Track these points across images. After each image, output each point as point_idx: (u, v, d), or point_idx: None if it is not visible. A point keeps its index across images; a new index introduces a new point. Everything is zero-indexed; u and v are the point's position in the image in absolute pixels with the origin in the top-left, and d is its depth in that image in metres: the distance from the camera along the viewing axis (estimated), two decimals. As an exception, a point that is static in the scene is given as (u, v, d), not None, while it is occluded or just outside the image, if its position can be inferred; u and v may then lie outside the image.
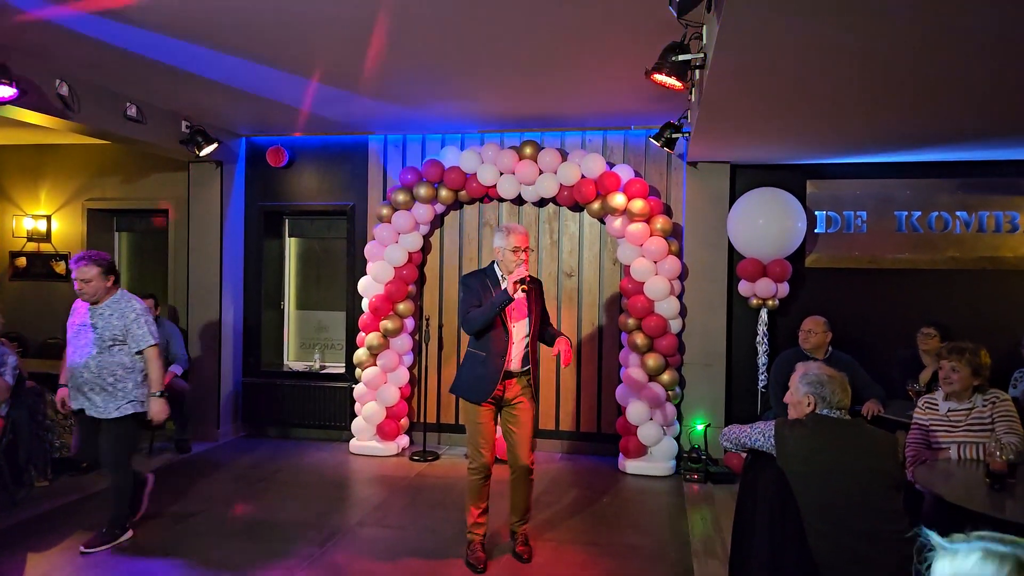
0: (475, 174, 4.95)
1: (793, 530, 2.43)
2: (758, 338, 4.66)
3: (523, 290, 3.14)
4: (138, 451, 5.03)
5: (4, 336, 5.63)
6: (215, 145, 4.99)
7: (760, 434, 2.54)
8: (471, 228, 5.29)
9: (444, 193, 5.03)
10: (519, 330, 3.31)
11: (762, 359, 4.64)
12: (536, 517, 3.93)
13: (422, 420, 5.24)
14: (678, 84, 3.01)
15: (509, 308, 3.22)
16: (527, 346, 3.29)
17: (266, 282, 5.62)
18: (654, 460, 4.68)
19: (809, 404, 2.50)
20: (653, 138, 4.46)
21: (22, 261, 5.84)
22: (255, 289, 5.59)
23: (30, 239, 5.82)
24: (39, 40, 3.46)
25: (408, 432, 5.28)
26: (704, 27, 2.73)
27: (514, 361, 3.28)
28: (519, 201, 5.18)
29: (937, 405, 3.22)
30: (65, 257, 5.79)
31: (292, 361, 5.76)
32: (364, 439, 5.08)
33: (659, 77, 2.98)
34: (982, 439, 3.01)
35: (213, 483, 4.43)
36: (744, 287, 4.68)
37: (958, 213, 4.68)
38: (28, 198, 5.85)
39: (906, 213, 4.75)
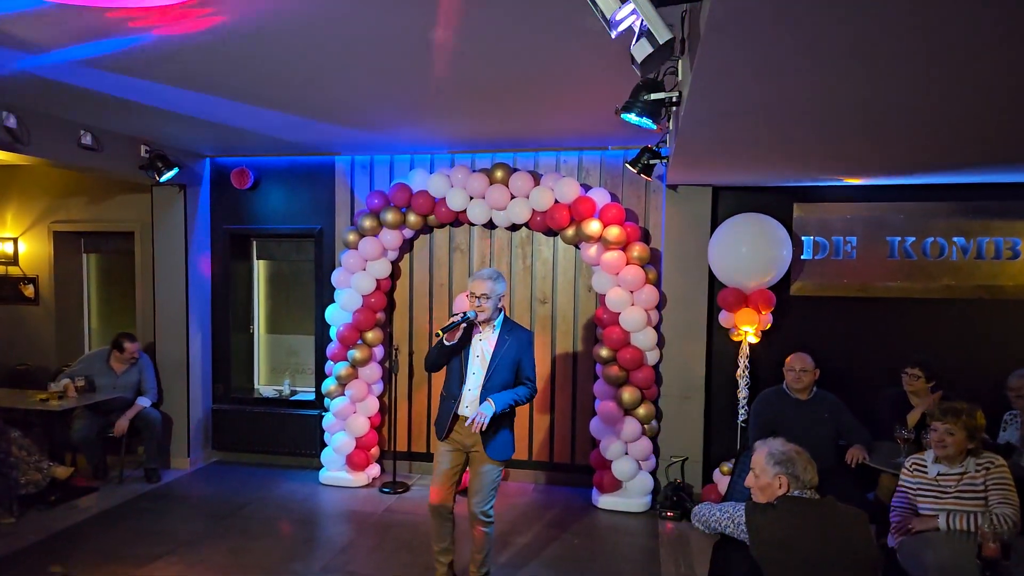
0: (444, 199, 4.73)
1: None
2: (739, 371, 4.45)
3: (457, 329, 3.17)
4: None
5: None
6: (175, 170, 4.80)
7: (729, 520, 2.36)
8: (441, 253, 5.08)
9: (412, 218, 4.82)
10: (475, 377, 3.21)
11: (743, 392, 4.43)
12: (504, 556, 3.80)
13: (392, 449, 5.11)
14: (651, 125, 2.76)
15: (473, 354, 3.25)
16: (482, 396, 3.15)
17: (235, 306, 5.47)
18: (629, 496, 4.52)
19: (781, 486, 2.31)
20: (629, 164, 4.20)
21: (-10, 284, 5.73)
22: (223, 313, 5.44)
23: (-3, 262, 5.71)
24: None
25: (379, 460, 5.16)
26: (679, 62, 2.48)
27: (465, 406, 3.21)
28: (491, 225, 4.96)
29: (926, 467, 2.99)
30: (33, 280, 5.67)
31: (263, 386, 5.63)
32: (334, 469, 4.96)
33: (629, 117, 2.73)
34: (974, 508, 2.80)
35: (178, 520, 4.33)
36: (725, 317, 4.45)
37: (955, 239, 4.40)
38: (-7, 220, 5.72)
39: (899, 239, 4.47)
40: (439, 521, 3.30)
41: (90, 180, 5.48)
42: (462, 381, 3.22)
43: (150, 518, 4.35)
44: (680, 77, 2.51)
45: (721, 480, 4.42)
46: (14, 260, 5.69)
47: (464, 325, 3.19)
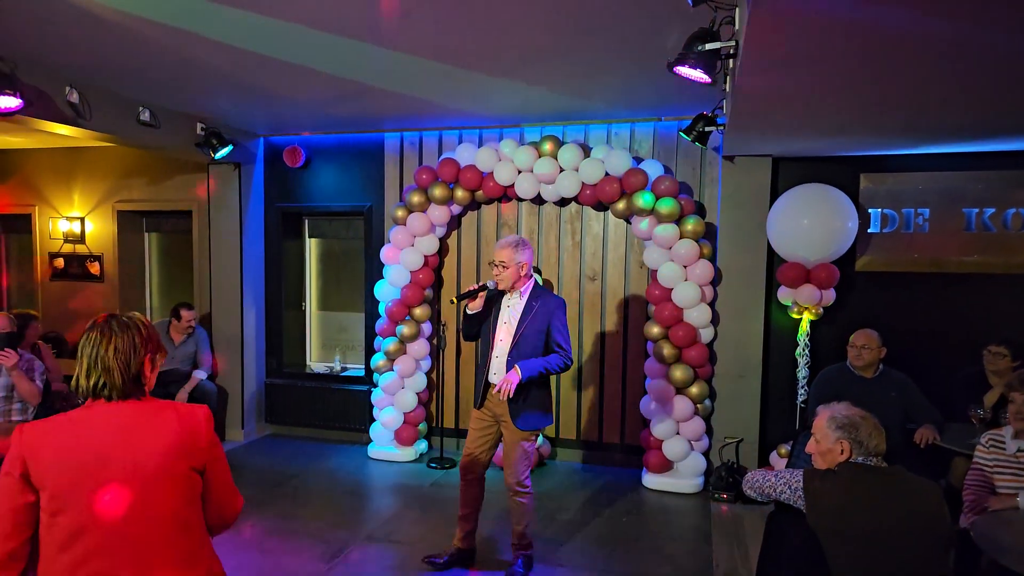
0: (492, 173, 4.69)
1: (824, 600, 2.15)
2: (799, 349, 4.26)
3: (474, 297, 3.22)
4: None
5: (43, 337, 5.86)
6: (230, 148, 4.91)
7: (786, 486, 2.24)
8: (489, 229, 5.05)
9: (460, 193, 4.80)
10: (502, 344, 3.21)
11: (803, 372, 4.24)
12: (551, 534, 3.76)
13: (440, 425, 5.13)
14: (705, 78, 2.65)
15: (501, 320, 3.24)
16: (509, 363, 3.14)
17: (287, 283, 5.59)
18: (680, 476, 4.40)
19: (843, 451, 2.17)
20: (684, 132, 4.07)
21: (60, 262, 6.01)
22: (276, 290, 5.57)
23: (66, 240, 5.98)
24: (47, 48, 3.40)
25: (427, 436, 5.18)
26: (736, 9, 2.36)
27: (493, 373, 3.21)
28: (539, 200, 4.89)
29: (1004, 443, 2.82)
30: (99, 258, 5.92)
31: (314, 362, 5.74)
32: (383, 443, 5.02)
33: (683, 70, 2.62)
34: (1057, 486, 2.62)
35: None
36: (784, 293, 4.27)
37: (1039, 210, 4.09)
38: (62, 200, 5.99)
39: (977, 210, 4.18)
40: (464, 486, 3.33)
41: (150, 160, 5.67)
42: (491, 348, 3.22)
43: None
44: (737, 26, 2.39)
45: (778, 463, 4.25)
46: (81, 238, 5.96)
47: (483, 294, 3.21)
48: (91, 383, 1.51)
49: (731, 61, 2.64)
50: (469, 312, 3.24)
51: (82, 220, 5.94)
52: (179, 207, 5.70)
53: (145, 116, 4.44)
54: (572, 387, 4.91)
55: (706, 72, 2.62)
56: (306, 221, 5.67)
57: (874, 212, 4.34)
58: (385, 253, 4.98)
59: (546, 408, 3.21)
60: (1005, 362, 3.59)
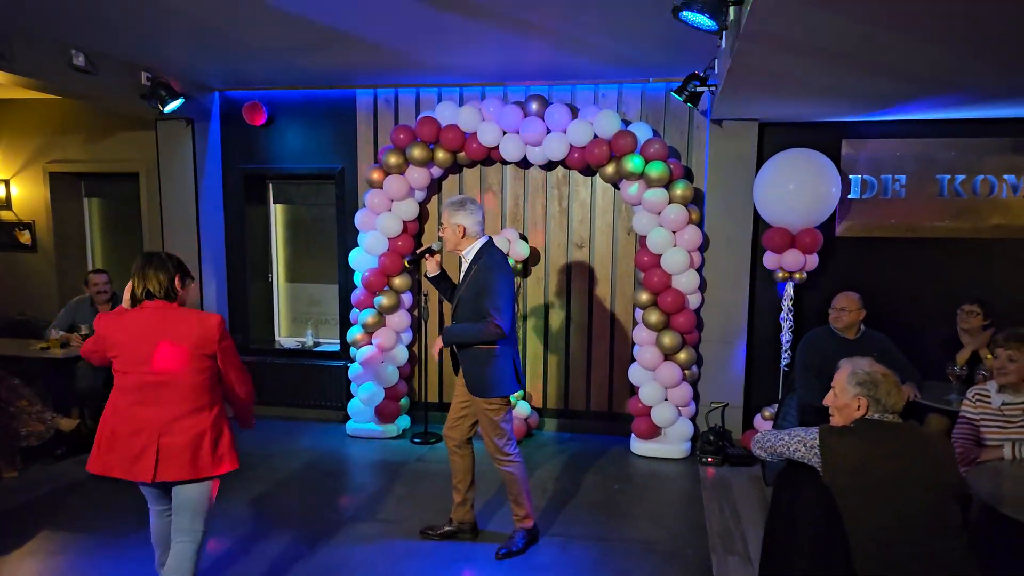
0: (475, 133, 4.48)
1: (839, 554, 2.17)
2: (783, 314, 4.34)
3: (424, 259, 3.19)
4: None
5: (-32, 314, 5.25)
6: (181, 101, 4.47)
7: (800, 443, 2.24)
8: (472, 194, 4.85)
9: (441, 155, 4.57)
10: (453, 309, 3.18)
11: (786, 336, 4.33)
12: (543, 505, 3.71)
13: (424, 400, 4.97)
14: (711, 24, 2.54)
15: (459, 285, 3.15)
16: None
17: (251, 253, 5.22)
18: (668, 442, 4.44)
19: (859, 408, 2.18)
20: (675, 92, 3.99)
21: (-18, 230, 5.40)
22: (239, 261, 5.19)
23: (-11, 206, 5.36)
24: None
25: (409, 413, 5.02)
26: None
27: None
28: (525, 164, 4.73)
29: (990, 398, 2.94)
30: (30, 226, 5.34)
31: (283, 337, 5.42)
32: (362, 421, 4.81)
33: (689, 15, 2.51)
34: (1040, 436, 2.76)
35: None
36: (770, 259, 4.32)
37: (1006, 177, 4.27)
38: (-17, 161, 5.35)
39: (949, 177, 4.34)
40: (450, 455, 3.30)
41: (89, 115, 5.11)
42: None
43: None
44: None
45: (763, 425, 4.36)
46: (7, 204, 5.35)
47: (438, 256, 3.19)
48: (141, 291, 2.32)
49: (733, 10, 2.55)
50: (428, 276, 3.25)
51: (7, 183, 5.32)
52: (123, 168, 5.18)
53: (79, 61, 3.92)
54: (559, 356, 4.85)
55: (714, 19, 2.52)
56: (271, 185, 5.28)
57: (854, 178, 4.43)
58: (360, 219, 4.71)
59: (494, 375, 3.00)
60: (977, 320, 3.77)
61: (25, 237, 5.34)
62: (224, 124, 5.07)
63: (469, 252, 3.05)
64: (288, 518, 3.53)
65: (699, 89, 3.92)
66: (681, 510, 3.69)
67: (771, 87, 3.52)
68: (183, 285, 2.39)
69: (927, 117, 4.24)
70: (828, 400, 2.30)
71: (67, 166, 5.25)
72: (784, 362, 4.35)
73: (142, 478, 2.30)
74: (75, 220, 5.48)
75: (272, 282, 5.37)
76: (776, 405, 4.40)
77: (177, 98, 4.45)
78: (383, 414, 4.77)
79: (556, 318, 4.82)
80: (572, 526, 3.50)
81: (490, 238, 3.10)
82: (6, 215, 5.36)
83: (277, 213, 5.35)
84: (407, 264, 3.43)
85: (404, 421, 4.92)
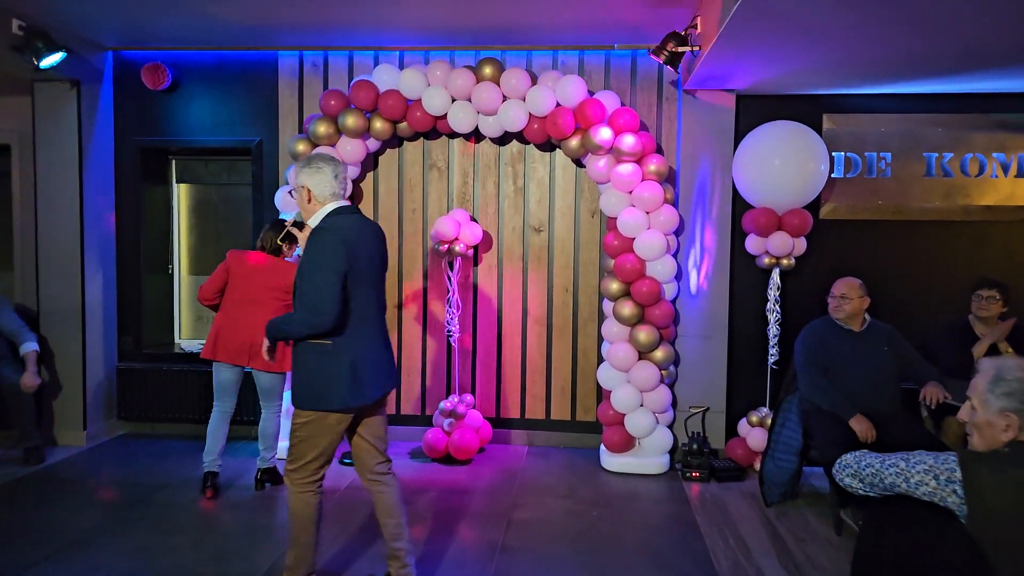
0: (419, 100, 3.65)
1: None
2: (768, 304, 3.65)
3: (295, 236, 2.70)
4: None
5: None
6: (62, 55, 3.47)
7: (928, 474, 1.43)
8: (414, 171, 4.00)
9: (379, 124, 3.71)
10: None
11: (773, 330, 3.63)
12: (512, 535, 2.78)
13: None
14: None
15: None
16: None
17: (147, 241, 4.15)
18: (645, 455, 3.62)
19: (1008, 429, 1.44)
20: (653, 53, 3.30)
21: None
22: (132, 250, 4.11)
23: None
24: None
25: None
26: None
27: None
28: (475, 137, 3.94)
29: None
30: None
31: (185, 340, 4.33)
32: (283, 437, 3.79)
33: None
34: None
35: (67, 513, 3.02)
36: (753, 243, 3.64)
37: (995, 155, 3.78)
38: None
39: (936, 155, 3.81)
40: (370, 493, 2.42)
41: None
42: None
43: (26, 512, 3.03)
44: None
45: (750, 433, 3.60)
46: None
47: (301, 232, 2.33)
48: (257, 247, 3.27)
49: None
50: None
51: None
52: (-10, 140, 4.07)
53: None
54: (515, 357, 4.00)
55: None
56: (173, 162, 4.25)
57: (838, 156, 3.82)
58: (281, 199, 3.76)
59: (316, 379, 2.10)
60: (997, 306, 3.16)
61: None
62: (118, 89, 4.05)
63: (314, 221, 2.16)
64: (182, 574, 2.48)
65: (679, 50, 3.25)
66: (677, 541, 2.83)
67: (773, 37, 2.84)
68: (290, 247, 3.22)
69: (911, 91, 3.69)
70: (963, 414, 1.54)
71: (-80, 137, 4.10)
72: (772, 359, 3.64)
73: (239, 362, 3.18)
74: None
75: (172, 275, 4.31)
76: (763, 409, 3.67)
77: (56, 51, 3.45)
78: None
79: (511, 312, 3.98)
80: (549, 565, 2.59)
81: (345, 205, 2.19)
82: None
83: (180, 194, 4.31)
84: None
85: (333, 439, 3.92)
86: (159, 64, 3.93)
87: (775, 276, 3.62)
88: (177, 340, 4.33)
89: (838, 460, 1.65)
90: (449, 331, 3.84)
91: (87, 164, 3.91)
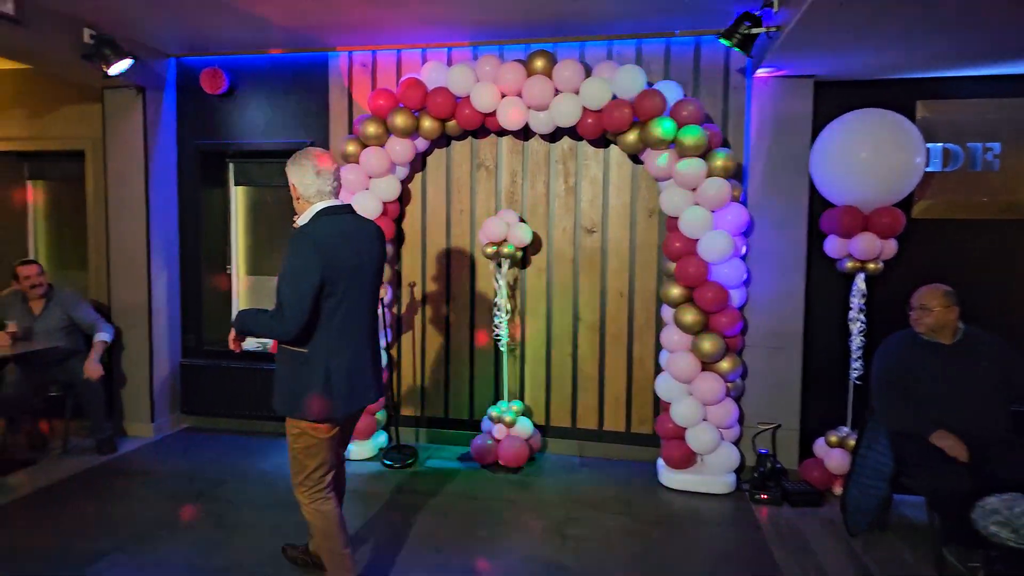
0: (468, 97, 3.47)
1: None
2: (851, 313, 3.24)
3: None
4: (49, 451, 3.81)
5: None
6: (130, 62, 3.51)
7: None
8: (461, 172, 3.82)
9: (427, 123, 3.56)
10: None
11: (856, 341, 3.23)
12: (565, 552, 2.58)
13: (396, 413, 3.91)
14: None
15: None
16: None
17: (207, 242, 4.21)
18: (709, 472, 3.31)
19: None
20: (723, 36, 2.96)
21: (-87, 217, 4.44)
22: (194, 251, 4.17)
23: (-80, 189, 4.42)
24: None
25: (386, 428, 3.95)
26: None
27: None
28: (524, 135, 3.72)
29: None
30: (-35, 212, 4.38)
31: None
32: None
33: None
34: None
35: (135, 503, 3.08)
36: (834, 245, 3.24)
37: None
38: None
39: (1057, 143, 3.27)
40: None
41: (31, 86, 4.17)
42: None
43: (98, 501, 3.10)
44: None
45: (829, 454, 3.22)
46: (-60, 187, 4.41)
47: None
48: None
49: None
50: None
51: (-59, 163, 4.39)
52: (69, 146, 4.21)
53: (6, 7, 3.01)
54: (566, 364, 3.77)
55: None
56: (231, 165, 4.28)
57: (934, 147, 3.34)
58: (331, 200, 3.71)
59: (294, 387, 2.00)
60: None
61: (-41, 225, 4.38)
62: (180, 95, 4.10)
63: (301, 221, 2.04)
64: (240, 572, 2.44)
65: (753, 31, 2.91)
66: (748, 569, 2.51)
67: (870, 9, 2.45)
68: None
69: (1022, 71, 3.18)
70: None
71: (9, 144, 4.29)
72: (855, 375, 3.24)
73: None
74: (18, 206, 4.52)
75: (231, 275, 4.35)
76: (844, 428, 3.28)
77: (124, 58, 3.51)
78: (357, 430, 3.71)
79: (560, 317, 3.75)
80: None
81: (335, 204, 2.05)
82: (-60, 200, 4.42)
83: (237, 196, 4.33)
84: None
85: (381, 438, 3.84)
86: (217, 69, 3.93)
87: (859, 282, 3.20)
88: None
89: (978, 504, 1.35)
90: (497, 335, 3.66)
91: (152, 168, 3.98)
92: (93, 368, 3.63)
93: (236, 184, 4.28)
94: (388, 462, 3.59)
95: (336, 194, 2.11)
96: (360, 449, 3.69)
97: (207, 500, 3.14)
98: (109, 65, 3.47)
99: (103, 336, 3.75)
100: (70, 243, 4.48)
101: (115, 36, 3.53)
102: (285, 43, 3.78)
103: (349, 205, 2.15)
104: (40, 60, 3.42)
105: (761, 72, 3.25)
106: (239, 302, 4.33)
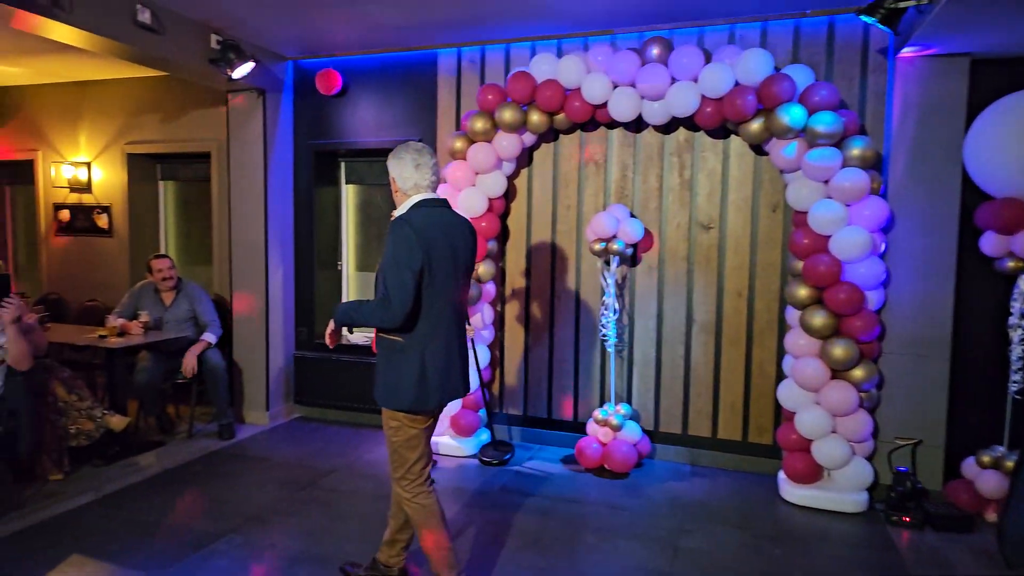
0: (578, 89, 3.36)
1: None
2: (1012, 319, 2.87)
3: None
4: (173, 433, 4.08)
5: (41, 299, 4.74)
6: (251, 64, 3.68)
7: None
8: (569, 167, 3.72)
9: (536, 117, 3.48)
10: None
11: (1017, 351, 2.85)
12: (677, 565, 2.43)
13: (501, 410, 3.88)
14: None
15: None
16: None
17: (320, 239, 4.36)
18: (837, 489, 3.04)
19: None
20: (864, 12, 2.68)
21: (65, 214, 4.87)
22: (307, 247, 4.33)
23: (72, 189, 4.85)
24: None
25: (488, 425, 3.93)
26: None
27: None
28: (635, 127, 3.57)
29: None
30: (107, 209, 4.78)
31: (352, 333, 4.52)
32: (437, 434, 3.77)
33: None
34: None
35: (250, 487, 3.23)
36: (992, 243, 2.87)
37: None
38: (67, 143, 4.83)
39: None
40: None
41: (163, 93, 4.48)
42: None
43: (217, 484, 3.28)
44: None
45: (980, 475, 2.87)
46: (87, 187, 4.83)
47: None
48: None
49: None
50: None
51: (88, 165, 4.80)
52: (197, 148, 4.49)
53: (144, 17, 3.23)
54: (677, 367, 3.59)
55: None
56: (342, 164, 4.40)
57: (1120, 130, 2.90)
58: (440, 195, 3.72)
59: (390, 377, 2.02)
60: None
61: (103, 221, 4.78)
62: (296, 96, 4.26)
63: (399, 212, 2.03)
64: (343, 560, 2.48)
65: (902, 5, 2.61)
66: None
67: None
68: None
69: None
70: None
71: (144, 147, 4.63)
72: (1014, 388, 2.86)
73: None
74: (150, 203, 4.88)
75: (341, 270, 4.48)
76: (1000, 448, 2.91)
77: (246, 61, 3.68)
78: (461, 426, 3.71)
79: (672, 318, 3.57)
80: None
81: (431, 198, 2.03)
82: (87, 198, 4.84)
83: (348, 194, 4.46)
84: None
85: (485, 434, 3.82)
86: (331, 70, 4.04)
87: (1022, 283, 2.82)
88: (345, 332, 4.51)
89: None
90: (604, 335, 3.54)
91: (270, 167, 4.15)
92: (190, 364, 3.80)
93: (347, 182, 4.40)
94: (485, 458, 3.56)
95: (434, 188, 2.09)
96: (463, 445, 3.69)
97: (317, 488, 3.23)
98: (233, 68, 3.64)
99: (209, 336, 3.94)
100: (196, 239, 4.79)
101: (239, 41, 3.70)
102: (395, 42, 3.82)
103: (445, 199, 2.11)
104: (173, 66, 3.63)
105: (907, 51, 2.93)
106: (348, 297, 4.46)
